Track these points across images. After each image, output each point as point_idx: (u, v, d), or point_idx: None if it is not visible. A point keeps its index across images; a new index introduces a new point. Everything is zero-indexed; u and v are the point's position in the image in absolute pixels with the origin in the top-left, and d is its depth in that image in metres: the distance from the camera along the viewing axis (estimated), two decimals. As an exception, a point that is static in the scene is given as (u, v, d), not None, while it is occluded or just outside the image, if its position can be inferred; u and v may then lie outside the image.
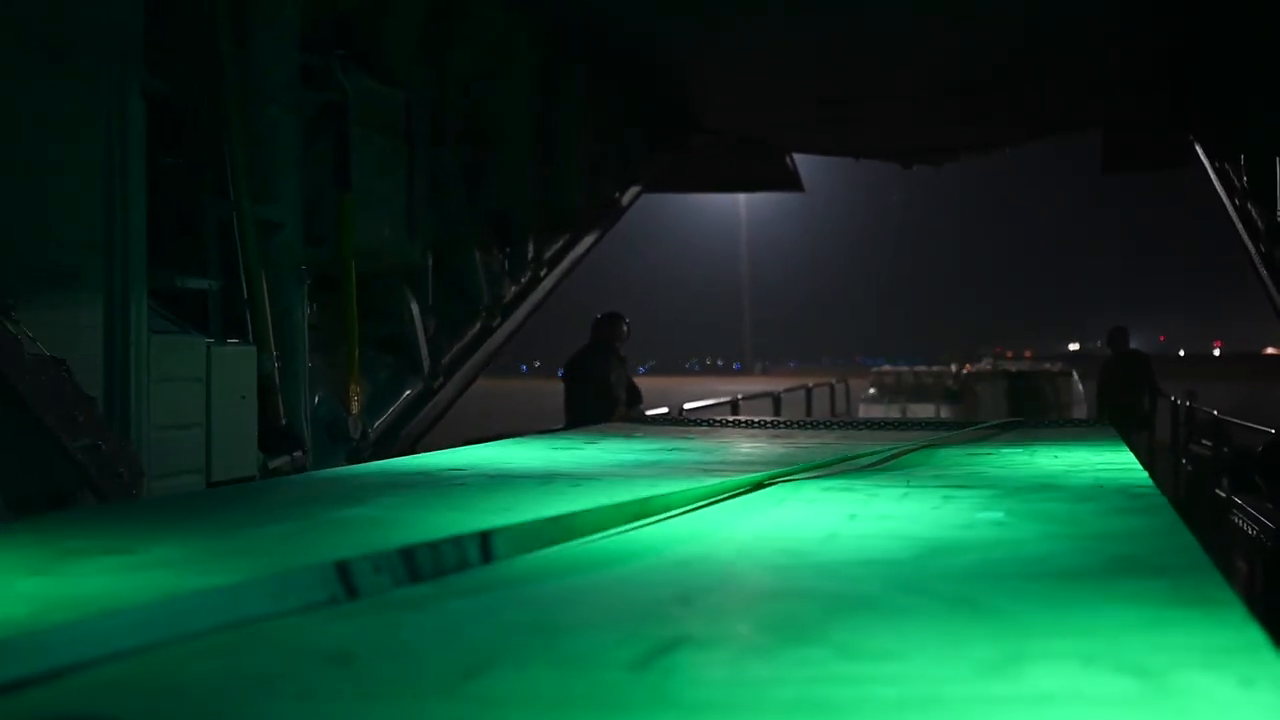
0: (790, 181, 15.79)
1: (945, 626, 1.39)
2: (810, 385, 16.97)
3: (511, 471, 3.40)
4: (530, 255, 9.71)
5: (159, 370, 4.69)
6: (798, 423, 6.10)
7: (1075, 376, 18.71)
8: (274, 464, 5.52)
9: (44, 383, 3.84)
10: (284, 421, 5.66)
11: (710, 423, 6.02)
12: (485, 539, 1.77)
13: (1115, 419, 7.35)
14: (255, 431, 5.39)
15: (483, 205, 8.81)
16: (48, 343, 3.95)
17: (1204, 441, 9.83)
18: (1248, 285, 10.12)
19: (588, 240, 11.09)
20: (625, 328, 9.00)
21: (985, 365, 22.21)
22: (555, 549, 1.90)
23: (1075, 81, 11.33)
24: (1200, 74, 10.30)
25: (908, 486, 2.88)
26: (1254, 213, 9.46)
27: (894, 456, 3.70)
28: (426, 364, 7.79)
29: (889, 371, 21.71)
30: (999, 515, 2.35)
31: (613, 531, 2.09)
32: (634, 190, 12.44)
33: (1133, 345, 12.29)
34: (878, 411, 17.69)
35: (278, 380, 5.63)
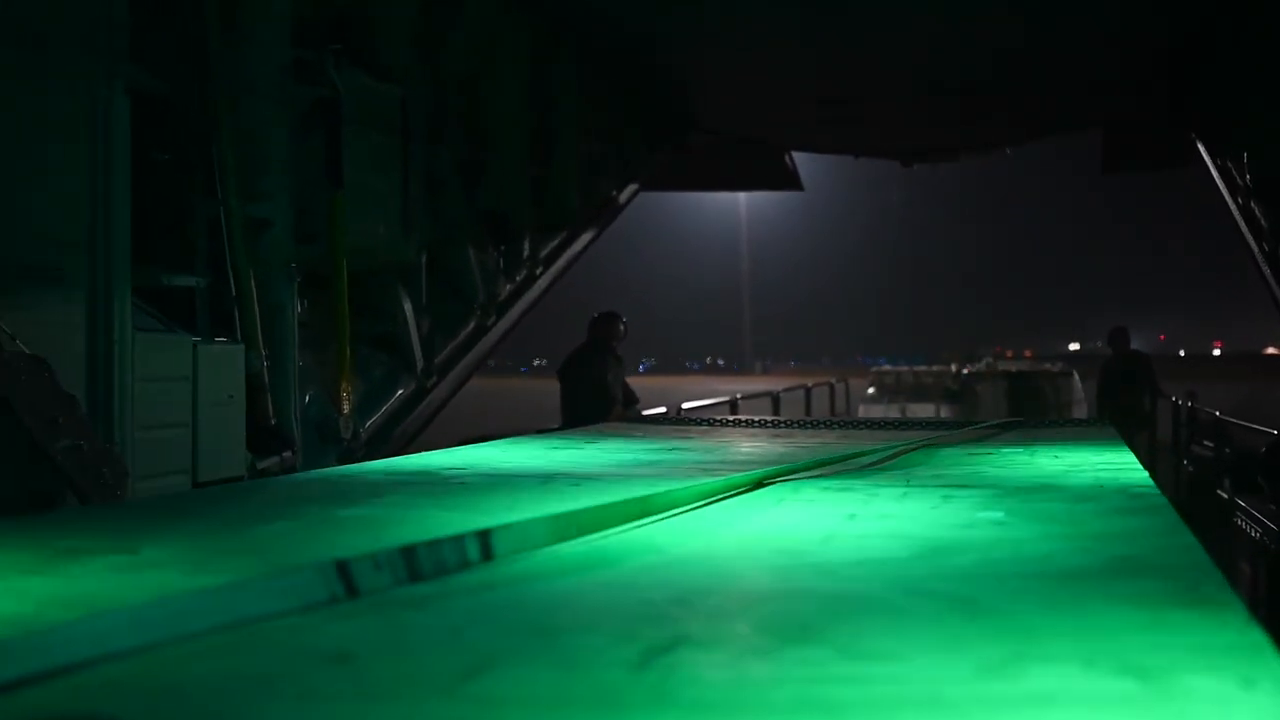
0: (789, 180, 15.80)
1: (945, 626, 1.39)
2: (810, 385, 16.96)
3: (511, 471, 3.40)
4: (526, 254, 9.69)
5: (144, 369, 4.63)
6: (797, 422, 6.10)
7: (1076, 376, 18.71)
8: (262, 464, 5.47)
9: (25, 382, 3.77)
10: (273, 421, 5.60)
11: (710, 422, 6.02)
12: (485, 538, 1.77)
13: (1116, 419, 7.34)
14: (243, 431, 5.32)
15: (479, 204, 8.78)
16: (29, 341, 3.89)
17: (1205, 442, 9.82)
18: (1248, 285, 10.12)
19: (584, 238, 11.07)
20: (622, 327, 8.98)
21: (985, 365, 22.21)
22: (555, 548, 1.90)
23: (1075, 81, 11.33)
24: (1202, 72, 10.30)
25: (907, 486, 2.88)
26: (1257, 211, 9.46)
27: (894, 456, 3.70)
28: (420, 363, 7.75)
29: (889, 371, 21.71)
30: (999, 515, 2.35)
31: (613, 531, 2.09)
32: (631, 188, 12.43)
33: (1133, 345, 12.29)
34: (877, 411, 17.68)
35: (267, 379, 5.58)
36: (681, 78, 11.52)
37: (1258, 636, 1.28)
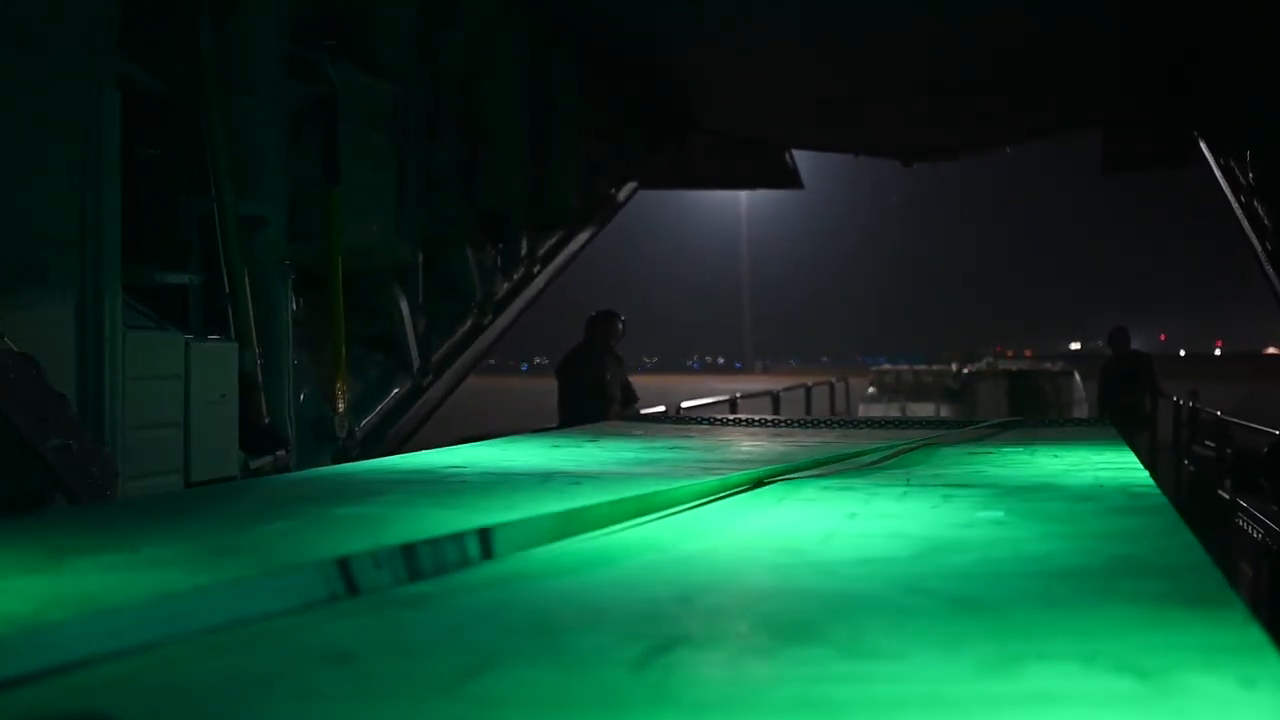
0: (789, 179, 15.78)
1: (945, 625, 1.39)
2: (810, 384, 16.96)
3: (512, 469, 3.40)
4: (524, 252, 9.64)
5: (135, 368, 4.57)
6: (798, 421, 6.10)
7: (1076, 376, 18.71)
8: (256, 464, 5.42)
9: (13, 381, 3.71)
10: (267, 420, 5.55)
11: (710, 421, 6.02)
12: (486, 536, 1.77)
13: (1116, 419, 7.33)
14: (236, 431, 5.27)
15: (476, 202, 8.73)
16: (17, 339, 3.85)
17: (1207, 442, 9.79)
18: (1248, 285, 10.13)
19: (582, 237, 11.03)
20: (620, 325, 8.95)
21: (985, 364, 22.20)
22: (556, 547, 1.90)
23: (1076, 81, 11.33)
24: (1203, 70, 10.29)
25: (907, 485, 2.88)
26: (1260, 210, 9.45)
27: (894, 455, 3.70)
28: (416, 362, 7.72)
29: (889, 370, 21.69)
30: (999, 514, 2.35)
31: (613, 529, 2.09)
32: (630, 187, 12.39)
33: (1134, 345, 12.28)
34: (877, 410, 17.67)
35: (260, 378, 5.53)
36: (681, 77, 11.51)
37: (1257, 636, 1.28)
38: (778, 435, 4.98)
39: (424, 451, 4.05)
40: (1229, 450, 8.82)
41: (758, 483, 2.85)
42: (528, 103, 9.41)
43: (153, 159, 5.25)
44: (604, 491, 2.75)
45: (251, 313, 5.51)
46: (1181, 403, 11.29)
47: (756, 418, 6.50)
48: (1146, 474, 3.18)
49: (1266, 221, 9.35)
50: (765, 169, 15.50)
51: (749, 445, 4.46)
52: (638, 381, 9.14)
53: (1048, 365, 22.35)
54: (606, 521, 2.10)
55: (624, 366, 8.94)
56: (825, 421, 6.10)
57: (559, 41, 9.85)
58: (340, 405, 6.39)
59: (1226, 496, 8.16)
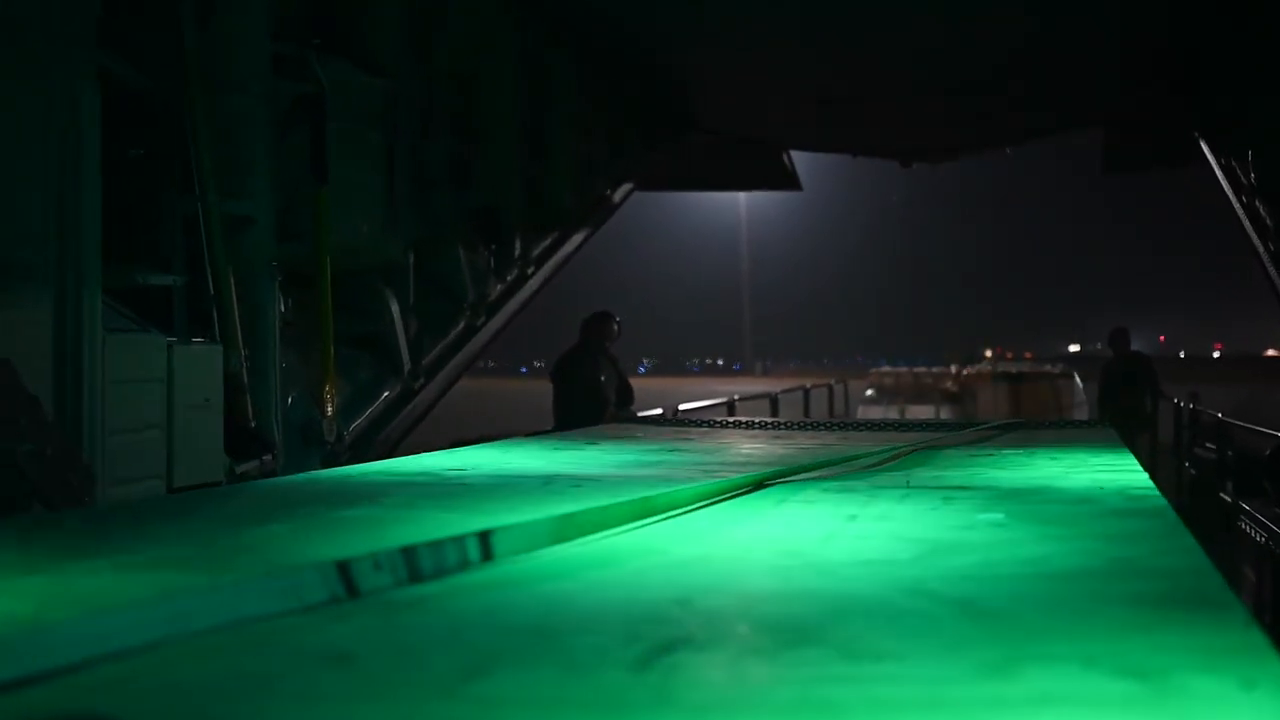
0: (788, 180, 15.76)
1: (945, 627, 1.39)
2: (809, 386, 16.94)
3: (512, 472, 3.40)
4: (518, 253, 9.56)
5: (115, 370, 4.49)
6: (797, 423, 6.10)
7: (1076, 378, 18.71)
8: (241, 468, 5.33)
9: None
10: (253, 424, 5.47)
11: (710, 423, 6.01)
12: (486, 538, 1.77)
13: (1117, 421, 7.32)
14: (221, 434, 5.18)
15: (470, 202, 8.66)
16: None
17: (1208, 444, 9.77)
18: (1248, 286, 10.14)
19: (577, 238, 10.96)
20: (616, 327, 8.91)
21: (985, 366, 22.20)
22: (556, 549, 1.90)
23: (1076, 81, 11.33)
24: (1205, 70, 10.29)
25: (907, 487, 2.88)
26: (1262, 210, 9.45)
27: (894, 457, 3.70)
28: (407, 364, 7.64)
29: (888, 372, 21.67)
30: (999, 516, 2.35)
31: (613, 531, 2.09)
32: (626, 187, 12.32)
33: (1134, 347, 12.28)
34: (876, 413, 17.67)
35: (246, 380, 5.44)
36: (679, 77, 11.50)
37: (1257, 637, 1.28)
38: (777, 438, 4.98)
39: (424, 454, 4.05)
40: (1230, 453, 8.78)
41: (758, 485, 2.85)
42: (524, 102, 9.35)
43: (136, 157, 5.18)
44: (604, 494, 2.75)
45: (237, 314, 5.42)
46: (1182, 404, 11.28)
47: (756, 420, 6.50)
48: (1146, 476, 3.18)
49: (1268, 221, 9.35)
50: (763, 170, 15.48)
51: (749, 448, 4.47)
52: (635, 384, 9.11)
53: (1048, 367, 22.34)
54: (606, 524, 2.10)
55: (620, 367, 8.91)
56: (825, 424, 6.10)
57: (556, 40, 9.82)
58: (329, 408, 6.30)
59: (1228, 499, 8.14)
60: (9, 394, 3.71)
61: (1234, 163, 10.11)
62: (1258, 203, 9.52)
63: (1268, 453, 7.55)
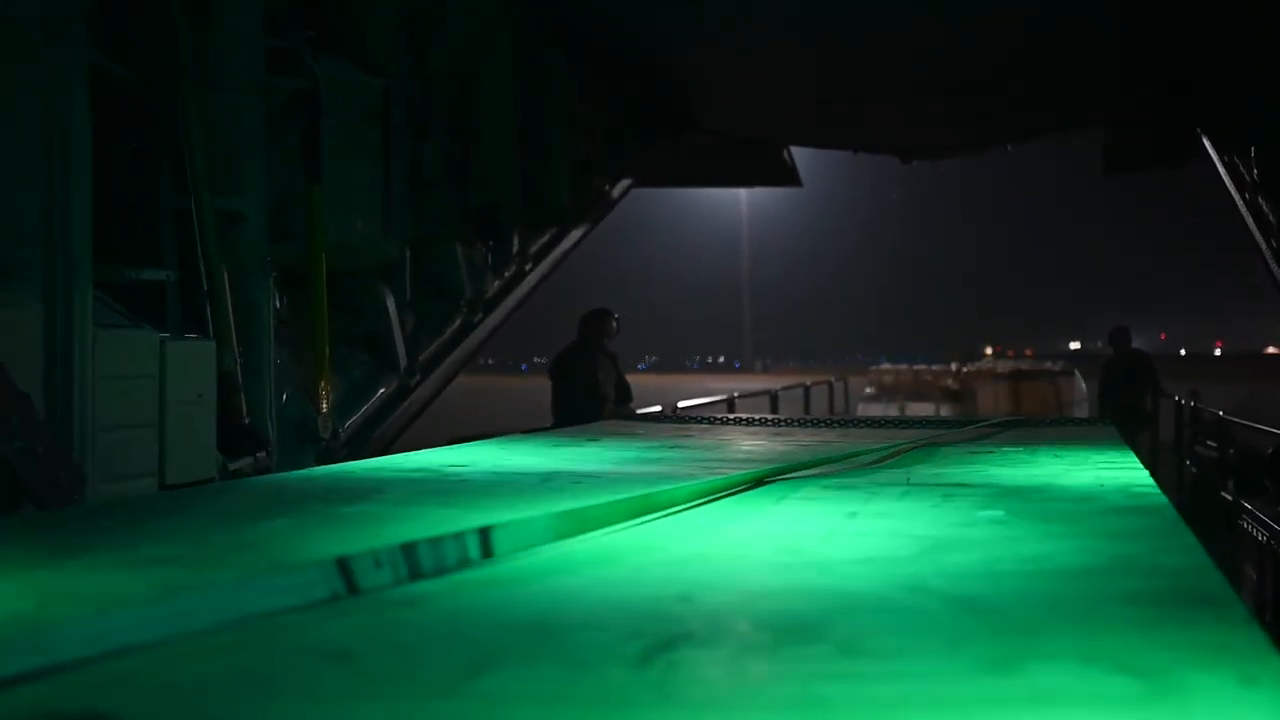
0: (788, 176, 15.72)
1: (945, 624, 1.39)
2: (809, 383, 16.94)
3: (512, 469, 3.40)
4: (515, 250, 9.52)
5: (106, 367, 4.45)
6: (798, 420, 6.10)
7: (1077, 375, 18.69)
8: (235, 465, 5.30)
9: None
10: (247, 421, 5.43)
11: (710, 420, 6.01)
12: (486, 535, 1.77)
13: (1117, 419, 7.31)
14: (214, 431, 5.14)
15: (467, 201, 8.62)
16: None
17: (1209, 443, 9.75)
18: (1249, 284, 10.14)
19: (575, 234, 10.92)
20: (614, 323, 8.89)
21: (986, 364, 22.17)
22: (556, 546, 1.90)
23: (1077, 79, 11.32)
24: (1207, 68, 10.28)
25: (908, 484, 2.89)
26: (1265, 207, 9.44)
27: (894, 454, 3.70)
28: (403, 361, 7.61)
29: (888, 370, 21.64)
30: (999, 514, 2.35)
31: (614, 528, 2.09)
32: (624, 184, 12.28)
33: (1134, 345, 12.28)
34: (877, 410, 17.66)
35: (240, 377, 5.41)
36: (679, 77, 11.49)
37: (1258, 635, 1.28)
38: (778, 435, 4.98)
39: (424, 450, 4.04)
40: (1232, 451, 8.77)
41: (758, 482, 2.85)
42: (522, 101, 9.32)
43: (127, 153, 5.13)
44: (604, 491, 2.75)
45: (231, 311, 5.39)
46: (1183, 402, 11.27)
47: (756, 417, 6.50)
48: (1147, 474, 3.18)
49: (1271, 218, 9.34)
50: (763, 167, 15.45)
51: (749, 445, 4.47)
52: (634, 381, 9.10)
53: (1048, 364, 22.31)
54: (607, 521, 2.10)
55: (619, 364, 8.89)
56: (825, 421, 6.09)
57: (554, 40, 9.80)
58: (324, 405, 6.27)
59: (1229, 498, 8.13)
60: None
61: (1236, 160, 10.10)
62: (1260, 199, 9.52)
63: (1269, 451, 7.54)
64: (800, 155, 15.52)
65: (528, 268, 9.84)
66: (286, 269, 6.10)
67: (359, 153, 6.75)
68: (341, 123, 6.49)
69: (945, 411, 16.97)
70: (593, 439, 4.62)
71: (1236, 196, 10.10)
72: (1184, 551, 1.88)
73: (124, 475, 4.53)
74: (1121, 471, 3.19)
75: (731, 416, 6.98)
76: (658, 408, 8.35)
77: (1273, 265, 9.36)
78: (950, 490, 2.75)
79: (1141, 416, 11.34)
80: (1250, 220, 9.76)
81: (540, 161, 9.99)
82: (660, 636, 1.32)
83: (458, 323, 8.63)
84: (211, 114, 5.44)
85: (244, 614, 1.40)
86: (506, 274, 9.45)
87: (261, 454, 5.51)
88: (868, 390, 20.20)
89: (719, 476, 2.75)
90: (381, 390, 7.46)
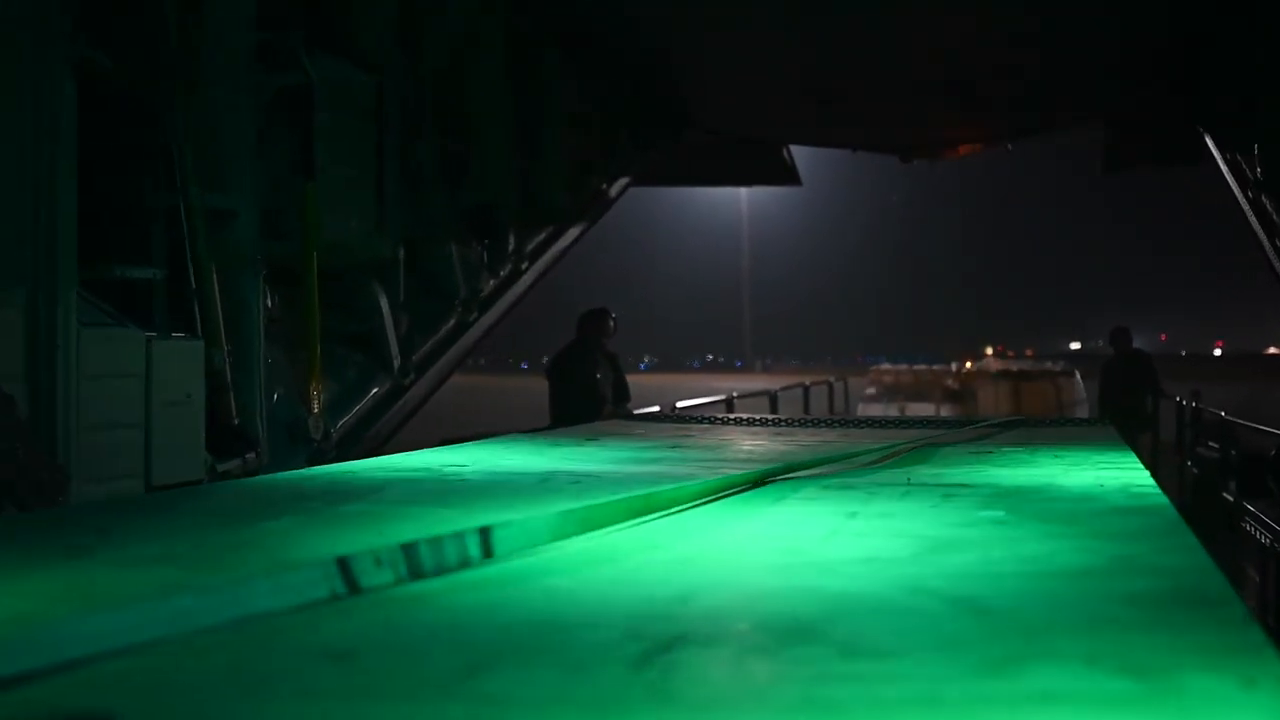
0: (787, 175, 15.69)
1: (945, 625, 1.39)
2: (808, 383, 16.92)
3: (512, 469, 3.40)
4: (511, 248, 9.46)
5: (90, 366, 4.40)
6: (798, 420, 6.09)
7: (1077, 376, 18.69)
8: (224, 466, 5.25)
9: None
10: (236, 421, 5.37)
11: (710, 420, 6.01)
12: (486, 535, 1.77)
13: (1118, 419, 7.30)
14: (202, 432, 5.09)
15: (462, 199, 8.57)
16: None
17: (1210, 443, 9.73)
18: (1249, 285, 10.15)
19: (572, 233, 10.85)
20: (612, 323, 8.88)
21: (986, 364, 22.16)
22: (556, 545, 1.90)
23: (1077, 78, 11.31)
24: (1209, 65, 10.27)
25: (908, 484, 2.88)
26: (1268, 205, 9.43)
27: (894, 454, 3.70)
28: (397, 360, 7.55)
29: (888, 370, 21.63)
30: (999, 514, 2.35)
31: (614, 528, 2.09)
32: (622, 182, 12.21)
33: (1135, 345, 12.28)
34: (877, 410, 17.65)
35: (230, 377, 5.35)
36: (676, 74, 11.47)
37: (1258, 636, 1.28)
38: (778, 435, 4.98)
39: (424, 450, 4.04)
40: (1233, 452, 8.74)
41: (758, 482, 2.85)
42: (518, 97, 9.26)
43: (117, 150, 5.08)
44: (604, 491, 2.75)
45: (220, 310, 5.33)
46: (1184, 403, 11.26)
47: (756, 417, 6.50)
48: (1147, 474, 3.18)
49: (1275, 216, 9.33)
50: (762, 165, 15.41)
51: (749, 445, 4.46)
52: (635, 381, 9.09)
53: (1049, 365, 22.31)
54: (607, 521, 2.10)
55: (618, 364, 8.87)
56: (825, 421, 6.09)
57: (550, 38, 9.77)
58: (315, 405, 6.21)
59: (1231, 499, 8.11)
60: None
61: (1239, 157, 10.08)
62: (1264, 197, 9.50)
63: (1273, 453, 7.52)
64: (800, 154, 15.50)
65: (524, 267, 9.78)
66: (279, 267, 6.05)
67: (353, 150, 6.69)
68: (335, 120, 6.43)
69: (945, 412, 16.96)
70: (592, 439, 4.62)
71: (1239, 194, 10.08)
72: (1184, 552, 1.88)
73: (109, 476, 4.47)
74: (1121, 472, 3.19)
75: (731, 416, 6.98)
76: (656, 408, 8.34)
77: (1276, 262, 9.34)
78: (950, 490, 2.75)
79: (1142, 417, 11.34)
80: (1253, 218, 9.74)
81: (536, 160, 9.95)
82: (660, 637, 1.32)
83: (452, 322, 8.57)
84: (203, 111, 5.37)
85: (244, 613, 1.39)
86: (502, 273, 9.39)
87: (251, 455, 5.45)
88: (868, 391, 20.19)
89: (719, 476, 2.75)
90: (375, 390, 7.39)
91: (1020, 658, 1.22)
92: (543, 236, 10.22)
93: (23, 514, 3.48)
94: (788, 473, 3.05)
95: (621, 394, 8.69)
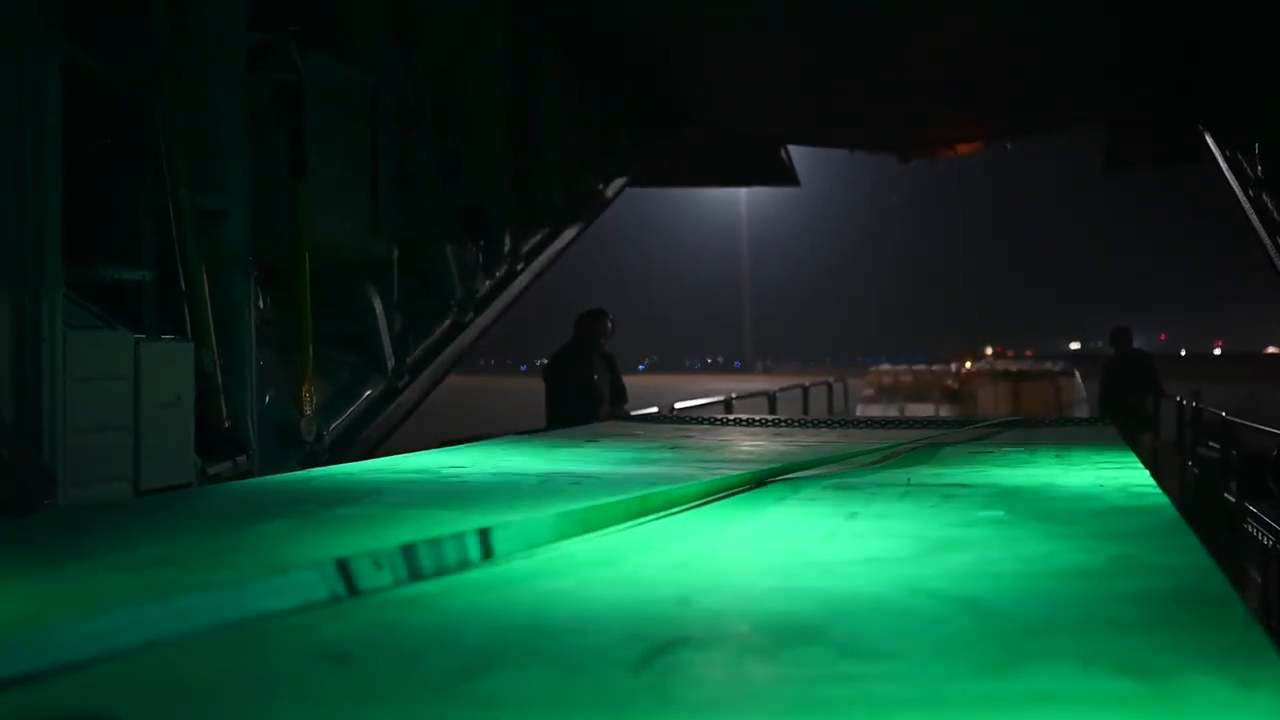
0: (786, 176, 15.67)
1: (945, 625, 1.39)
2: (807, 384, 16.90)
3: (511, 470, 3.40)
4: (507, 249, 9.41)
5: (77, 368, 4.36)
6: (797, 421, 6.09)
7: (1077, 376, 18.67)
8: (214, 469, 5.19)
9: None
10: (227, 424, 5.32)
11: (710, 421, 6.01)
12: (485, 536, 1.77)
13: (1118, 420, 7.29)
14: (191, 434, 5.04)
15: (457, 199, 8.52)
16: None
17: (1211, 444, 9.71)
18: (1249, 285, 10.15)
19: (569, 234, 10.79)
20: (609, 324, 8.86)
21: (986, 364, 22.14)
22: (556, 547, 1.90)
23: (1077, 77, 11.31)
24: (1210, 64, 10.27)
25: (908, 485, 2.88)
26: (1269, 203, 9.43)
27: (894, 455, 3.70)
28: (391, 362, 7.50)
29: (888, 371, 21.60)
30: (999, 514, 2.35)
31: (613, 529, 2.09)
32: (619, 183, 12.16)
33: (1135, 345, 12.27)
34: (876, 411, 17.63)
35: (221, 379, 5.30)
36: (674, 73, 11.46)
37: (1258, 637, 1.28)
38: (778, 435, 4.98)
39: (423, 452, 4.04)
40: (1234, 452, 8.71)
41: (758, 482, 2.85)
42: (512, 96, 9.21)
43: (104, 149, 5.04)
44: (603, 492, 2.74)
45: (210, 311, 5.28)
46: (1184, 403, 11.24)
47: (756, 418, 6.49)
48: (1147, 474, 3.18)
49: (1276, 215, 9.32)
50: (761, 166, 15.39)
51: (748, 445, 4.46)
52: (633, 382, 9.06)
53: (1048, 365, 22.29)
54: (606, 522, 2.10)
55: (615, 365, 8.85)
56: (825, 421, 6.09)
57: (546, 36, 9.74)
58: (307, 408, 6.15)
59: (1232, 500, 8.09)
60: None
61: (1240, 156, 10.08)
62: (1265, 196, 9.50)
63: (1274, 453, 7.50)
64: (799, 154, 15.47)
65: (520, 267, 9.72)
66: (271, 267, 6.00)
67: (346, 150, 6.63)
68: (328, 119, 6.37)
69: (945, 412, 16.94)
70: (592, 440, 4.62)
71: (1240, 193, 10.07)
72: (1184, 551, 1.88)
73: (97, 480, 4.43)
74: (1121, 471, 3.19)
75: (730, 417, 6.97)
76: (654, 409, 8.32)
77: (1277, 261, 9.34)
78: (950, 490, 2.75)
79: (1142, 417, 11.32)
80: (1254, 216, 9.73)
81: (534, 160, 9.92)
82: (659, 638, 1.32)
83: (447, 323, 8.50)
84: (193, 110, 5.33)
85: (243, 615, 1.39)
86: (498, 274, 9.31)
87: (242, 458, 5.39)
88: (867, 391, 20.17)
89: (718, 477, 2.75)
90: (368, 392, 7.33)
91: (1020, 658, 1.22)
92: (539, 237, 10.17)
93: (15, 517, 3.47)
94: (787, 473, 3.05)
95: (618, 395, 8.67)
